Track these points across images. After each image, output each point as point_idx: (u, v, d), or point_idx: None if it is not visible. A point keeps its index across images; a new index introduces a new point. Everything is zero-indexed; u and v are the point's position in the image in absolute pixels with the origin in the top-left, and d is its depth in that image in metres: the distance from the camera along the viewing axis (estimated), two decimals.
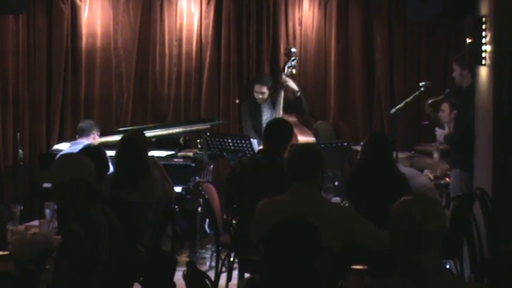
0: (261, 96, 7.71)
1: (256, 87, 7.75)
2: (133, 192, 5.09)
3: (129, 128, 7.89)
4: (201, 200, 6.97)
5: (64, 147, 7.56)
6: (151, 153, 7.37)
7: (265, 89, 7.70)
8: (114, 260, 3.82)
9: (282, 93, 7.67)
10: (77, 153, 4.62)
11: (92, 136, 7.15)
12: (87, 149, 5.12)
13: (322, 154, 4.28)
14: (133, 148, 5.30)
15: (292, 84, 7.68)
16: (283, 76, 7.68)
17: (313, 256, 2.89)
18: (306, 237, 2.91)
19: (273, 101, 7.73)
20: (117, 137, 6.71)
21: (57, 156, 6.39)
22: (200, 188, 6.94)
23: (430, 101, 7.33)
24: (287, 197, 4.15)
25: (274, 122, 5.82)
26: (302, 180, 4.13)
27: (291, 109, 7.67)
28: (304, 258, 2.87)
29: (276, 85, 7.83)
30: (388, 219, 2.81)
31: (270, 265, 2.91)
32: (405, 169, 5.81)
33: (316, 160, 4.21)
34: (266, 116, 7.63)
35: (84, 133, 7.18)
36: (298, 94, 7.68)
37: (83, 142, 6.84)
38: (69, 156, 4.39)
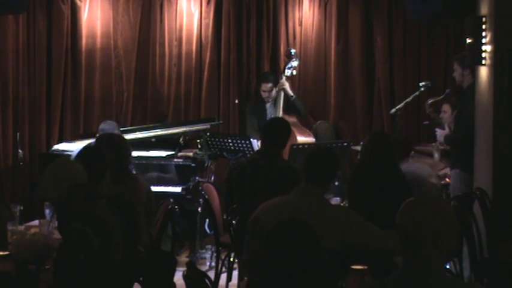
0: (267, 94, 7.77)
1: (263, 86, 7.80)
2: (126, 191, 5.05)
3: (130, 128, 7.90)
4: (201, 200, 6.97)
5: (65, 147, 7.56)
6: (151, 153, 7.40)
7: (270, 86, 7.76)
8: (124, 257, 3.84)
9: (282, 94, 7.69)
10: (64, 158, 4.58)
11: None
12: (89, 147, 5.11)
13: (338, 160, 4.26)
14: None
15: (287, 88, 7.71)
16: (282, 78, 7.70)
17: (313, 256, 2.90)
18: (306, 238, 2.91)
19: (274, 101, 7.76)
20: None
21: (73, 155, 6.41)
22: (200, 188, 6.94)
23: (430, 101, 7.34)
24: (291, 197, 4.14)
25: (272, 122, 5.79)
26: (313, 182, 4.12)
27: (290, 111, 7.71)
28: (304, 259, 2.87)
29: (277, 83, 7.84)
30: (389, 219, 2.81)
31: (270, 266, 2.91)
32: (413, 166, 5.82)
33: (333, 166, 4.20)
34: (270, 115, 7.65)
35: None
36: (292, 99, 7.72)
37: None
38: (58, 165, 4.28)
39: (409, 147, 6.29)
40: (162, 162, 7.38)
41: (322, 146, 6.68)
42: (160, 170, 7.31)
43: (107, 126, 7.17)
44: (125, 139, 5.53)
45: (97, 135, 7.26)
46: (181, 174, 7.24)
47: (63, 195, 3.84)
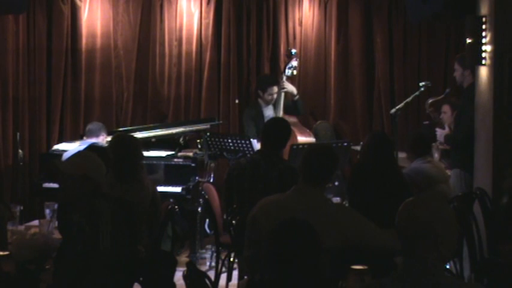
0: (272, 97, 7.61)
1: (271, 89, 7.60)
2: (128, 192, 5.06)
3: (129, 128, 7.90)
4: (201, 200, 6.97)
5: (65, 147, 7.56)
6: (151, 153, 7.40)
7: (277, 88, 7.65)
8: (117, 249, 3.85)
9: (283, 94, 7.66)
10: (92, 152, 4.64)
11: (101, 138, 7.14)
12: (91, 147, 5.12)
13: (337, 159, 4.25)
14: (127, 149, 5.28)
15: (291, 87, 7.65)
16: (283, 79, 7.66)
17: (314, 256, 2.90)
18: (307, 238, 2.91)
19: (274, 103, 7.71)
20: None
21: (65, 154, 6.43)
22: (200, 188, 6.94)
23: (430, 101, 7.35)
24: (289, 195, 4.13)
25: (272, 122, 5.78)
26: (310, 180, 4.11)
27: (289, 111, 7.67)
28: (304, 259, 2.88)
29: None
30: (389, 219, 2.81)
31: (270, 265, 2.91)
32: (426, 166, 5.81)
33: (331, 164, 4.18)
34: (269, 118, 7.59)
35: (93, 134, 7.17)
36: (296, 98, 7.66)
37: (92, 142, 6.82)
38: (85, 153, 4.42)
39: (427, 145, 6.19)
40: (162, 162, 7.37)
41: (319, 144, 6.67)
42: (160, 170, 7.30)
43: (94, 126, 7.23)
44: (137, 140, 5.53)
45: (84, 137, 7.32)
46: (181, 174, 7.23)
47: (73, 182, 3.87)
